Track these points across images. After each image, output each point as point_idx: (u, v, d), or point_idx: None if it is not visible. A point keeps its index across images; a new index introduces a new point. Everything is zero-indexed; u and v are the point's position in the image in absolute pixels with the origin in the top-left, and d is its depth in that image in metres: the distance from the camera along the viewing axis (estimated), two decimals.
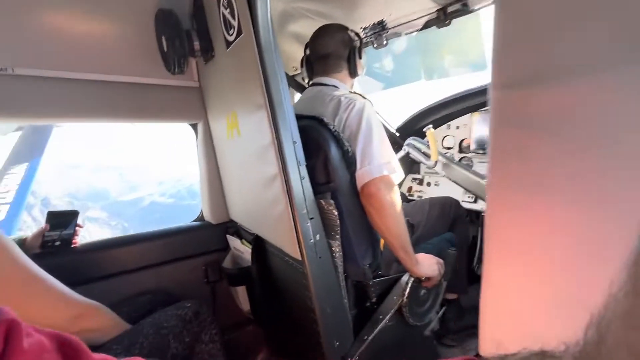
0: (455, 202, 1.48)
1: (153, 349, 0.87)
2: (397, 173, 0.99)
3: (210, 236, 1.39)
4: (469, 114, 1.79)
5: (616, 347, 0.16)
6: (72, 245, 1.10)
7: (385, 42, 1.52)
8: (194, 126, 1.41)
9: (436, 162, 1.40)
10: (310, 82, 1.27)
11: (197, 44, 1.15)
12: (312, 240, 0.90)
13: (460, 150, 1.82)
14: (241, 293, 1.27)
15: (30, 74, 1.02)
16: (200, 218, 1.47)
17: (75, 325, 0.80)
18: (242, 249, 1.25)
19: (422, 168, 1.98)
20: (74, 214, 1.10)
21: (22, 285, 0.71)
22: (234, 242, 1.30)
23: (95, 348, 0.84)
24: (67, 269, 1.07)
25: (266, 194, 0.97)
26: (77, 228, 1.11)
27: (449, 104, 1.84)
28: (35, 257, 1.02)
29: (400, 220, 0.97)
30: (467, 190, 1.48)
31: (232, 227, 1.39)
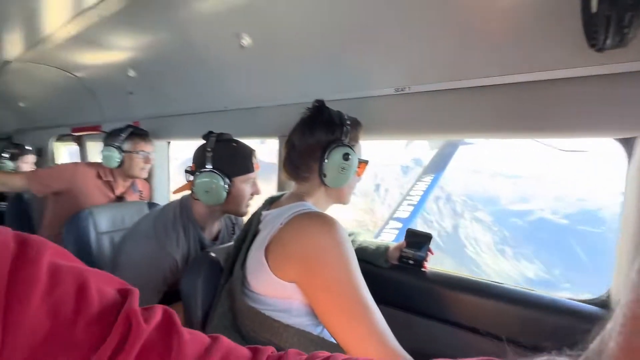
0: None
1: None
2: None
3: None
4: None
5: (618, 353, 0.16)
6: (422, 269, 1.03)
7: None
8: (626, 142, 0.81)
9: None
10: None
11: None
12: None
13: None
14: None
15: (421, 90, 1.02)
16: (603, 300, 0.83)
17: None
18: None
19: None
20: (428, 237, 1.02)
21: (352, 310, 0.69)
22: None
23: None
24: (410, 290, 1.02)
25: None
26: (428, 253, 1.02)
27: None
28: (391, 268, 1.08)
29: None
30: None
31: None
